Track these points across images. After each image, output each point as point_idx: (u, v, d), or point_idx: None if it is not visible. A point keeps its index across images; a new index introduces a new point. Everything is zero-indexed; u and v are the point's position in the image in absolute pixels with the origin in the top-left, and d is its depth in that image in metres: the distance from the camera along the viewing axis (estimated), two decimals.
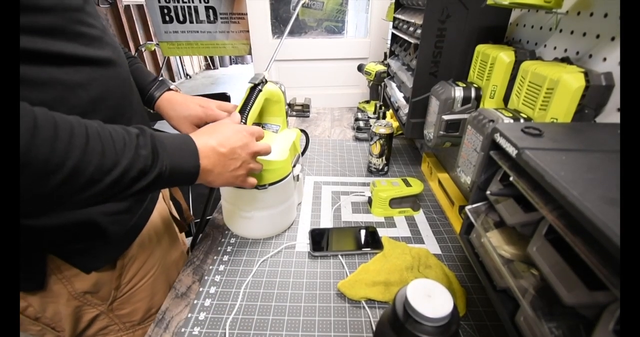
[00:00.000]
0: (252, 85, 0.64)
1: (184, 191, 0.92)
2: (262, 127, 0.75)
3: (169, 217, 0.73)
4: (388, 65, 1.17)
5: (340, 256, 0.69)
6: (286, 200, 0.74)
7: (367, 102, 1.50)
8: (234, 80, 5.92)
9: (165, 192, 0.77)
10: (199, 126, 0.69)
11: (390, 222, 0.80)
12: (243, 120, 0.60)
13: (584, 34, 0.52)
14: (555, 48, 0.59)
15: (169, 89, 0.71)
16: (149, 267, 0.65)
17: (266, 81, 0.66)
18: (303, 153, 0.87)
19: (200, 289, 0.61)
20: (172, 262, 0.72)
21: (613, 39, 0.47)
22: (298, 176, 0.77)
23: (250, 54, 1.83)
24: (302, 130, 0.88)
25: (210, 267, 0.66)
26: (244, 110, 0.61)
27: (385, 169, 1.00)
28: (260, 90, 0.63)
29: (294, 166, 0.75)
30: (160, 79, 0.71)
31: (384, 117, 1.27)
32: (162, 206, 0.72)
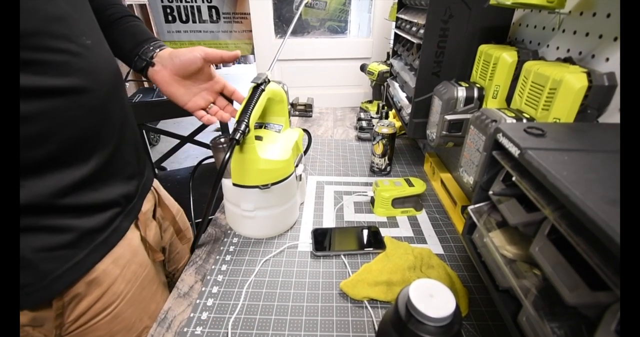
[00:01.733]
0: (254, 85, 0.64)
1: (183, 198, 0.85)
2: (265, 127, 0.75)
3: (140, 245, 0.62)
4: (391, 65, 1.17)
5: (342, 256, 0.69)
6: (289, 200, 0.74)
7: (370, 102, 1.50)
8: (237, 80, 5.91)
9: (144, 217, 0.65)
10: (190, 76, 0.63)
11: (392, 222, 0.80)
12: (246, 120, 0.60)
13: (587, 34, 0.52)
14: (557, 48, 0.59)
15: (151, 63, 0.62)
16: (104, 306, 0.55)
17: (269, 81, 0.66)
18: (305, 153, 0.87)
19: (203, 289, 0.61)
20: (143, 297, 0.61)
21: (616, 39, 0.47)
22: (300, 175, 0.77)
23: (252, 53, 1.84)
24: (305, 130, 0.88)
25: (213, 266, 0.66)
26: (246, 110, 0.61)
27: (388, 168, 1.00)
28: (262, 90, 0.63)
29: (297, 166, 0.75)
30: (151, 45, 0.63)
31: (387, 117, 1.27)
32: (133, 235, 0.61)
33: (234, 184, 0.67)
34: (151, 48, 0.62)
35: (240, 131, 0.59)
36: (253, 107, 0.61)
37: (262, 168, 0.65)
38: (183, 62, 0.61)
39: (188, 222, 0.86)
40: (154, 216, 0.71)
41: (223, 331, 0.54)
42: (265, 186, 0.66)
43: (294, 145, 0.73)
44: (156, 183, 0.75)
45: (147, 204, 0.67)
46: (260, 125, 0.76)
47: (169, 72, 0.62)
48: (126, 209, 0.58)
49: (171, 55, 0.61)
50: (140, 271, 0.61)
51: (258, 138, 0.68)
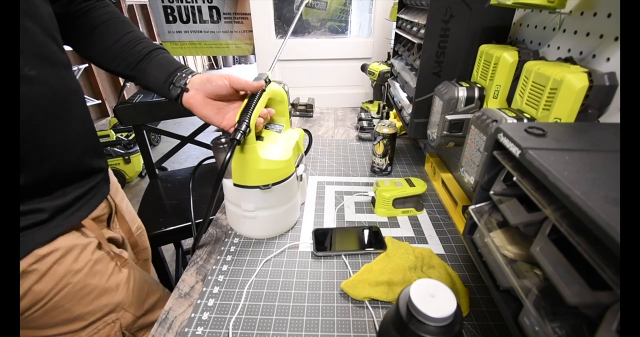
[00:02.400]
0: None
1: (184, 199, 0.86)
2: (266, 127, 0.75)
3: (75, 249, 0.58)
4: (391, 65, 1.17)
5: (343, 256, 0.69)
6: (289, 200, 0.74)
7: (371, 102, 1.50)
8: None
9: (91, 223, 0.62)
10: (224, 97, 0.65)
11: (393, 222, 0.80)
12: (246, 121, 0.60)
13: (588, 34, 0.52)
14: (558, 48, 0.59)
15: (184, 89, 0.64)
16: (37, 298, 0.53)
17: (269, 81, 0.66)
18: (306, 153, 0.87)
19: (204, 289, 0.61)
20: (75, 303, 0.58)
21: (616, 39, 0.47)
22: (301, 175, 0.77)
23: (253, 53, 1.83)
24: (306, 130, 0.88)
25: (214, 267, 0.66)
26: (247, 110, 0.61)
27: (389, 169, 1.00)
28: (263, 90, 0.64)
29: (297, 166, 0.75)
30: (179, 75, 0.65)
31: (388, 117, 1.27)
32: (67, 239, 0.57)
33: (235, 184, 0.67)
34: (183, 75, 0.65)
35: (241, 131, 0.59)
36: (254, 108, 0.61)
37: (263, 168, 0.65)
38: (215, 88, 0.64)
39: (148, 243, 0.86)
40: (108, 225, 0.70)
41: (224, 331, 0.54)
42: (266, 186, 0.66)
43: (295, 146, 0.73)
44: (118, 195, 0.74)
45: (99, 211, 0.65)
46: None
47: (202, 95, 0.64)
48: (53, 220, 0.54)
49: (202, 80, 0.64)
50: (69, 276, 0.57)
51: (259, 138, 0.68)
